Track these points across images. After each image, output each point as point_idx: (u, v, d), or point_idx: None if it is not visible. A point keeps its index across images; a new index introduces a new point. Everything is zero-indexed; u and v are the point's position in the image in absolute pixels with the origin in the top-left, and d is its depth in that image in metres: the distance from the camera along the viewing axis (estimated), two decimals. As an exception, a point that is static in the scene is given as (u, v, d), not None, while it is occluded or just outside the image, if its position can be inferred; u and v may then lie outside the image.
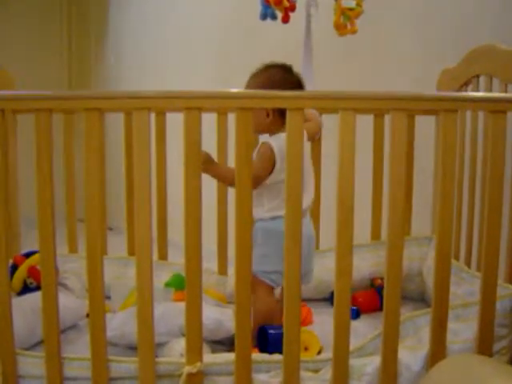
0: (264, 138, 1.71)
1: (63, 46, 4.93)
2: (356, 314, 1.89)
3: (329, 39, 1.99)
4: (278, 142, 1.62)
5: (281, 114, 1.60)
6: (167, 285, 1.94)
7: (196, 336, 1.33)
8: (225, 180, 1.68)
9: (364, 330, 1.73)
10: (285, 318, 1.32)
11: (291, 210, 1.29)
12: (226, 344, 1.59)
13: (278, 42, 2.79)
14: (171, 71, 3.71)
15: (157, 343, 1.40)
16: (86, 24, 4.73)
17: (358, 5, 1.84)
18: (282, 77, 1.66)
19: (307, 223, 1.71)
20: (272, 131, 1.67)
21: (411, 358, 1.39)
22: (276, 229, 1.52)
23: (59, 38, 4.92)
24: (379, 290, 1.96)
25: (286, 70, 1.70)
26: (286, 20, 1.91)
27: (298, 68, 1.93)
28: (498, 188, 1.35)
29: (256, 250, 1.65)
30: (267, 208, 1.66)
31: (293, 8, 1.90)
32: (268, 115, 1.64)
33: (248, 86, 1.69)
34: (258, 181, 1.58)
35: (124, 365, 1.37)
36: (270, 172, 1.62)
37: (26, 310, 1.60)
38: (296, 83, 1.68)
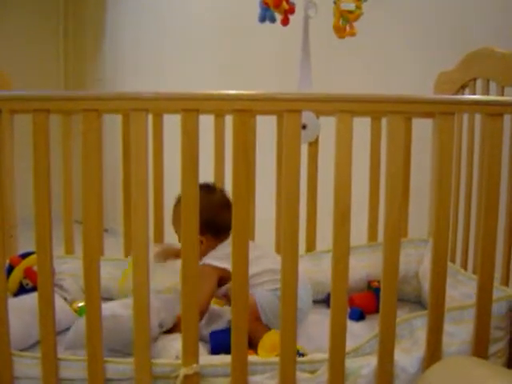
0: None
1: (59, 46, 4.93)
2: (360, 316, 1.89)
3: (327, 41, 2.00)
4: (219, 251, 1.68)
5: (214, 233, 1.71)
6: None
7: (192, 337, 1.33)
8: None
9: (360, 332, 1.73)
10: (281, 320, 1.32)
11: (288, 214, 1.29)
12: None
13: (277, 44, 2.80)
14: (169, 71, 3.72)
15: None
16: (83, 24, 4.73)
17: (358, 7, 1.84)
18: (204, 200, 1.60)
19: None
20: (215, 246, 1.73)
21: (407, 360, 1.40)
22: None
23: (56, 38, 4.92)
24: (376, 292, 1.96)
25: (208, 191, 1.72)
26: (285, 22, 1.91)
27: (296, 70, 1.95)
28: (495, 191, 1.35)
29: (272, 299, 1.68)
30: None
31: (292, 10, 1.90)
32: (202, 242, 1.69)
33: (175, 209, 1.74)
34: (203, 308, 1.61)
35: (120, 366, 1.37)
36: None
37: (22, 311, 1.60)
38: (219, 201, 1.71)
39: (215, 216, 1.68)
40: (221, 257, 1.66)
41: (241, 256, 1.31)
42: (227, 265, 1.56)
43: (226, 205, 1.69)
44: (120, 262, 2.09)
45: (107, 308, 1.49)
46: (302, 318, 1.67)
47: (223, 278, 1.65)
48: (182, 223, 1.29)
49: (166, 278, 1.82)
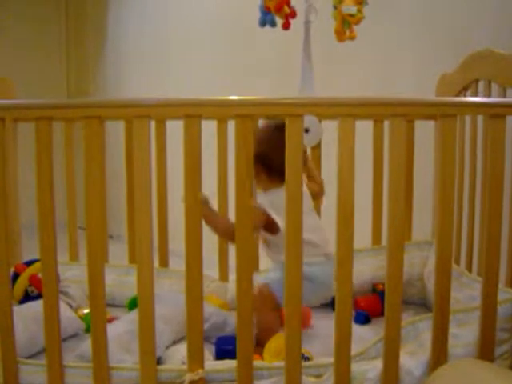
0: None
1: (62, 53, 4.95)
2: (365, 320, 1.89)
3: (327, 45, 2.00)
4: (269, 197, 1.62)
5: (266, 168, 1.62)
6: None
7: (197, 343, 1.33)
8: (223, 233, 1.63)
9: (366, 335, 1.72)
10: (286, 324, 1.32)
11: (291, 218, 1.29)
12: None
13: (278, 47, 2.80)
14: (171, 77, 3.72)
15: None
16: (85, 30, 4.75)
17: (359, 11, 1.84)
18: (267, 134, 1.62)
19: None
20: (268, 187, 1.66)
21: (413, 363, 1.39)
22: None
23: (58, 45, 4.94)
24: (382, 295, 1.95)
25: (276, 129, 1.59)
26: (286, 26, 1.91)
27: (298, 74, 1.96)
28: (498, 192, 1.35)
29: (280, 276, 1.66)
30: None
31: (293, 14, 1.91)
32: (258, 173, 1.61)
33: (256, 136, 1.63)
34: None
35: (125, 372, 1.37)
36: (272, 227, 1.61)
37: (27, 318, 1.60)
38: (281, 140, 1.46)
39: (272, 151, 1.54)
40: (275, 207, 1.57)
41: (245, 259, 1.31)
42: (275, 215, 1.56)
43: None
44: (125, 268, 2.10)
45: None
46: (318, 289, 1.65)
47: (269, 224, 1.60)
48: (185, 231, 1.30)
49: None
